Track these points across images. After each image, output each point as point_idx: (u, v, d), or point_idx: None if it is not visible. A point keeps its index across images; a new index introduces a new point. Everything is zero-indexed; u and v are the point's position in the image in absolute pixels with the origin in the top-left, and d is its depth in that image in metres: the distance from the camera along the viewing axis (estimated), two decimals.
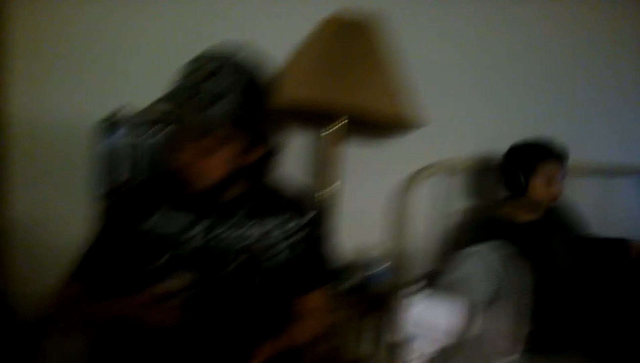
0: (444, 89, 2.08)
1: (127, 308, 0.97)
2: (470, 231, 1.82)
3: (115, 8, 1.77)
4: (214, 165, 0.98)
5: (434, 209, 2.17)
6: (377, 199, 2.11)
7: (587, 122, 2.23)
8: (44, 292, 1.70)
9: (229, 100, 0.92)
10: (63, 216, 1.82)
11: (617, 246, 1.81)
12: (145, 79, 1.77)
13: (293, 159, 1.95)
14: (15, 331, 1.79)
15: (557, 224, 1.81)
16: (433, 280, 1.11)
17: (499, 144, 1.93)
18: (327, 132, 1.75)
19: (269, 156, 1.07)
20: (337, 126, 1.71)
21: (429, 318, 0.91)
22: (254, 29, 1.80)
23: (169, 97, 0.93)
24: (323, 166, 1.88)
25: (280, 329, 1.07)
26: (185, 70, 0.96)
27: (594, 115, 2.25)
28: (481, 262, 0.97)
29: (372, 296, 1.80)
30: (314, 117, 1.84)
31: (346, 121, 1.71)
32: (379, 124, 1.88)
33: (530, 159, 1.71)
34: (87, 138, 1.76)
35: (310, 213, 1.13)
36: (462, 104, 2.11)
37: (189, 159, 0.96)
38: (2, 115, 1.70)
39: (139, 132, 1.59)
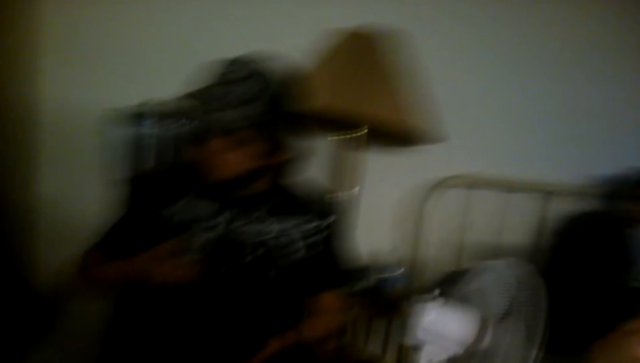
0: (468, 108, 2.11)
1: (144, 264, 0.98)
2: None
3: (141, 7, 1.82)
4: (234, 161, 1.01)
5: (451, 221, 2.18)
6: (395, 205, 2.12)
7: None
8: (65, 267, 1.78)
9: (255, 106, 0.95)
10: (85, 197, 1.87)
11: None
12: (164, 76, 1.83)
13: (313, 162, 1.98)
14: (35, 305, 1.85)
15: None
16: (448, 289, 1.12)
17: (519, 165, 2.09)
18: (348, 137, 1.78)
19: (292, 161, 1.09)
20: (357, 134, 1.73)
21: (440, 326, 0.92)
22: (270, 35, 1.84)
23: (198, 94, 0.96)
24: (343, 171, 1.90)
25: (291, 324, 1.09)
26: (218, 70, 0.99)
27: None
28: (497, 276, 0.97)
29: (384, 300, 1.81)
30: (334, 123, 1.86)
31: (366, 130, 1.73)
32: (397, 136, 1.90)
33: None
34: (109, 125, 1.82)
35: (330, 217, 1.15)
36: (484, 123, 2.15)
37: (210, 153, 0.99)
38: (31, 102, 1.76)
39: (164, 124, 1.67)
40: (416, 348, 0.97)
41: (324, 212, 1.15)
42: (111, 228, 1.16)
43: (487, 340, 0.91)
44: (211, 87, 0.98)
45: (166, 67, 1.85)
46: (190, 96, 0.96)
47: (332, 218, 1.15)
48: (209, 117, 0.95)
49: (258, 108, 0.96)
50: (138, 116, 1.67)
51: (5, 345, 1.73)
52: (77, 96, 1.81)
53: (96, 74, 1.82)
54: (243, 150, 1.00)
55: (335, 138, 2.01)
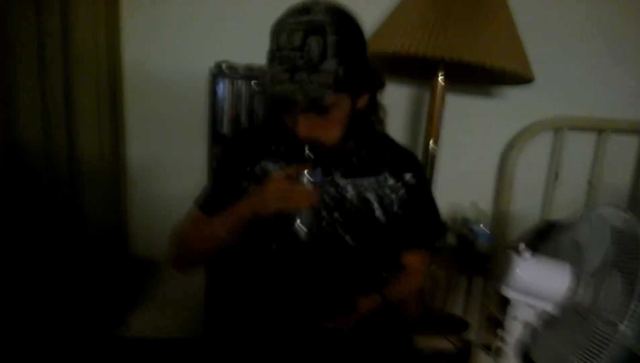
0: (555, 49, 1.95)
1: (262, 193, 0.95)
2: None
3: None
4: (330, 131, 0.96)
5: (537, 170, 2.06)
6: (477, 155, 2.04)
7: None
8: (156, 233, 1.87)
9: (327, 65, 0.87)
10: (174, 161, 1.93)
11: None
12: (247, 33, 1.77)
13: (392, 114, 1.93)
14: (131, 270, 1.97)
15: None
16: (539, 242, 1.05)
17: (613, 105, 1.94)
18: (425, 84, 1.68)
19: (374, 103, 1.03)
20: (435, 81, 1.64)
21: (529, 282, 0.87)
22: None
23: (281, 61, 0.89)
24: (420, 121, 1.82)
25: (375, 286, 1.09)
26: (282, 32, 0.89)
27: None
28: (591, 227, 0.90)
29: (466, 257, 1.76)
30: (413, 71, 1.79)
31: (442, 76, 1.63)
32: (481, 80, 1.79)
33: None
34: (197, 85, 1.84)
35: (406, 175, 1.10)
36: (571, 65, 1.98)
37: (305, 130, 0.94)
38: (117, 64, 1.80)
39: (250, 83, 1.71)
40: (505, 306, 0.94)
41: (400, 169, 1.10)
42: (209, 187, 1.15)
43: (580, 295, 0.86)
44: (288, 52, 0.89)
45: (243, 26, 1.83)
46: (275, 63, 0.89)
47: (408, 176, 1.10)
48: (295, 93, 0.87)
49: (331, 66, 0.87)
50: (222, 75, 1.70)
51: (106, 307, 1.88)
52: (161, 58, 1.84)
53: (179, 35, 1.83)
54: (333, 114, 0.94)
55: (415, 86, 1.93)
